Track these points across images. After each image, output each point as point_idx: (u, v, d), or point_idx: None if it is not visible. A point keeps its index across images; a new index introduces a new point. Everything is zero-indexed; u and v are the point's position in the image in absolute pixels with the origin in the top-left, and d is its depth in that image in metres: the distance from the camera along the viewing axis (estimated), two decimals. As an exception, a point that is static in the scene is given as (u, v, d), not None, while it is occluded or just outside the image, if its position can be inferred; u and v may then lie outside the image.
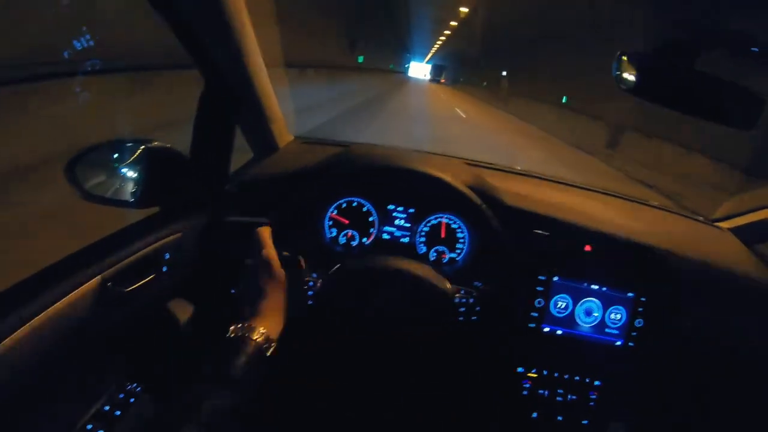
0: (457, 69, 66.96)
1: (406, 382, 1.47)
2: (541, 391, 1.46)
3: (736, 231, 1.77)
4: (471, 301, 1.24)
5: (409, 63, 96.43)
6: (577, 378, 1.46)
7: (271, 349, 0.95)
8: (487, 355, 1.46)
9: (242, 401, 0.86)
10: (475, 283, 1.30)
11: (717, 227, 1.82)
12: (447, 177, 1.28)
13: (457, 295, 1.23)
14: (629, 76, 0.95)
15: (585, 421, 1.47)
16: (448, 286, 1.21)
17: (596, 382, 1.46)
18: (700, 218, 1.88)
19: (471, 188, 1.33)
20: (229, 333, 0.94)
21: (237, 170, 1.50)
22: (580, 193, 1.83)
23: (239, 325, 0.95)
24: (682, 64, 0.91)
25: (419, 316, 1.20)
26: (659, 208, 1.89)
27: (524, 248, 1.38)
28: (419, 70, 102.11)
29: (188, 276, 1.33)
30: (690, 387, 1.58)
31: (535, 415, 1.46)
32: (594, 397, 1.46)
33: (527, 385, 1.46)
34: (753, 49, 0.85)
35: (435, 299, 1.19)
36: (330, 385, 1.50)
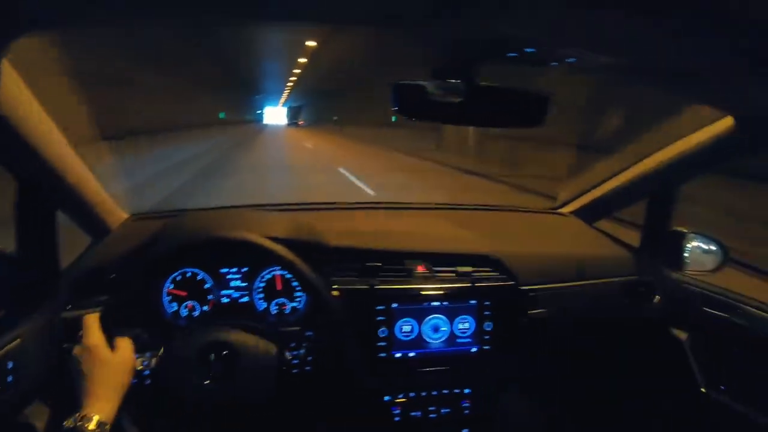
0: (316, 106, 66.14)
1: None
2: (413, 413, 1.51)
3: (578, 213, 1.93)
4: (302, 352, 1.29)
5: (262, 110, 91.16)
6: (445, 391, 1.52)
7: None
8: (348, 393, 1.48)
9: None
10: (307, 333, 1.33)
11: (559, 214, 1.97)
12: (253, 238, 1.31)
13: (287, 351, 1.28)
14: (409, 105, 1.00)
15: (465, 430, 1.54)
16: (273, 349, 1.26)
17: (466, 390, 1.53)
18: (542, 210, 2.03)
19: (284, 240, 1.36)
20: (64, 427, 0.95)
21: (74, 260, 1.46)
22: (413, 214, 1.92)
23: (73, 417, 0.97)
24: (464, 83, 0.98)
25: (251, 383, 1.24)
26: (500, 210, 2.02)
27: (357, 282, 1.43)
28: (275, 115, 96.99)
29: (41, 379, 1.25)
30: (554, 372, 1.70)
31: None
32: (467, 404, 1.53)
33: (397, 411, 1.50)
34: (528, 50, 0.93)
35: (262, 364, 1.24)
36: None
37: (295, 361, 1.28)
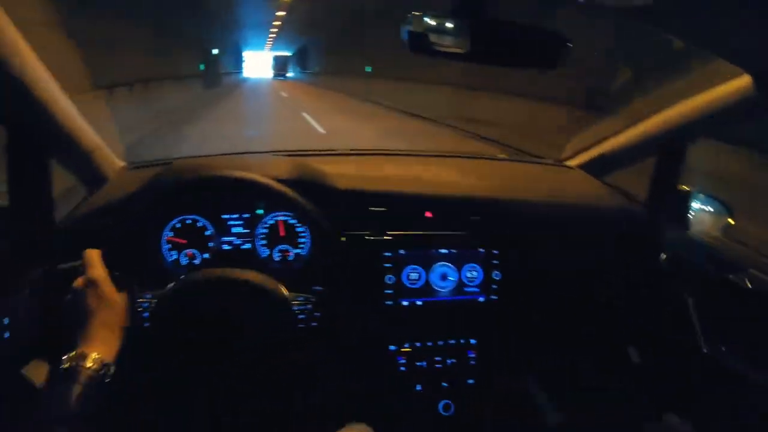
0: (307, 57, 59.30)
1: (266, 390, 1.52)
2: (418, 363, 1.55)
3: (585, 166, 1.97)
4: (309, 307, 1.29)
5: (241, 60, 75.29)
6: (451, 342, 1.57)
7: (109, 373, 0.99)
8: (353, 342, 1.54)
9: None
10: (315, 287, 1.34)
11: (566, 166, 2.01)
12: (259, 178, 1.31)
13: (295, 302, 1.28)
14: (420, 40, 1.02)
15: (470, 381, 1.59)
16: (285, 292, 1.27)
17: (471, 341, 1.58)
18: (549, 161, 2.07)
19: (290, 181, 1.38)
20: (62, 365, 0.97)
21: (70, 210, 1.48)
22: (418, 161, 1.95)
23: (71, 354, 0.99)
24: (476, 16, 1.00)
25: (257, 325, 1.26)
26: (505, 160, 2.06)
27: (363, 227, 1.46)
28: (258, 64, 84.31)
29: (38, 333, 1.31)
30: (560, 323, 1.76)
31: (419, 387, 1.55)
32: (473, 355, 1.58)
33: (403, 361, 1.55)
34: None
35: (271, 306, 1.25)
36: (180, 401, 1.53)
37: (302, 316, 1.29)
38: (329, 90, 30.92)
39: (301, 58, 63.44)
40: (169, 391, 1.52)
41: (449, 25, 0.98)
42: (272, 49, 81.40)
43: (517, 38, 1.05)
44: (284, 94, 29.81)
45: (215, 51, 31.97)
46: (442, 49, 1.01)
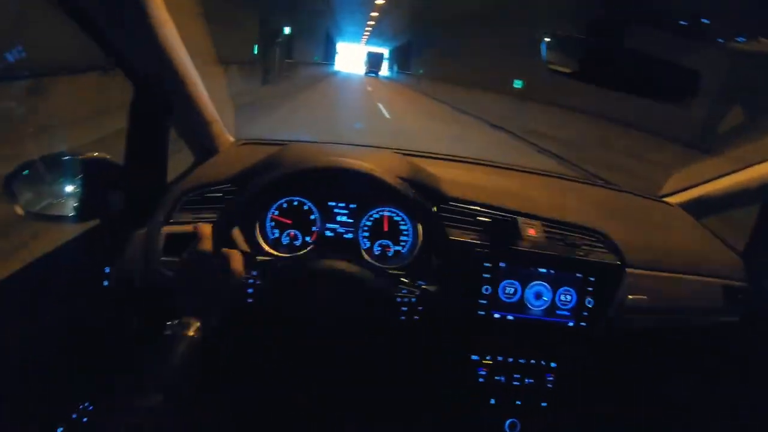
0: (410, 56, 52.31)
1: (356, 380, 1.54)
2: (497, 378, 1.55)
3: (686, 206, 1.94)
4: (413, 300, 1.29)
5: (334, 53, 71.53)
6: (532, 361, 1.56)
7: (206, 345, 1.01)
8: (439, 346, 1.54)
9: (179, 399, 0.92)
10: (419, 282, 1.34)
11: (665, 203, 1.98)
12: (378, 172, 1.32)
13: (399, 294, 1.29)
14: (558, 59, 1.05)
15: (544, 404, 1.58)
16: (388, 285, 1.29)
17: (552, 364, 1.56)
18: (649, 195, 2.04)
19: (407, 180, 1.39)
20: (165, 330, 1.00)
21: (178, 176, 1.55)
22: (520, 177, 1.95)
23: (175, 322, 1.01)
24: (611, 43, 1.03)
25: (360, 316, 1.28)
26: (606, 187, 2.04)
27: (468, 236, 1.46)
28: (351, 58, 79.67)
29: (135, 287, 1.37)
30: (644, 364, 1.72)
31: (493, 401, 1.55)
32: (551, 379, 1.57)
33: (483, 373, 1.55)
34: (681, 22, 0.96)
35: (375, 298, 1.26)
36: (273, 383, 1.57)
37: (404, 308, 1.29)
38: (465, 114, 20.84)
39: (402, 55, 59.48)
40: (263, 372, 1.57)
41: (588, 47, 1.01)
42: (368, 43, 79.16)
43: (654, 69, 1.07)
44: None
45: (287, 30, 25.20)
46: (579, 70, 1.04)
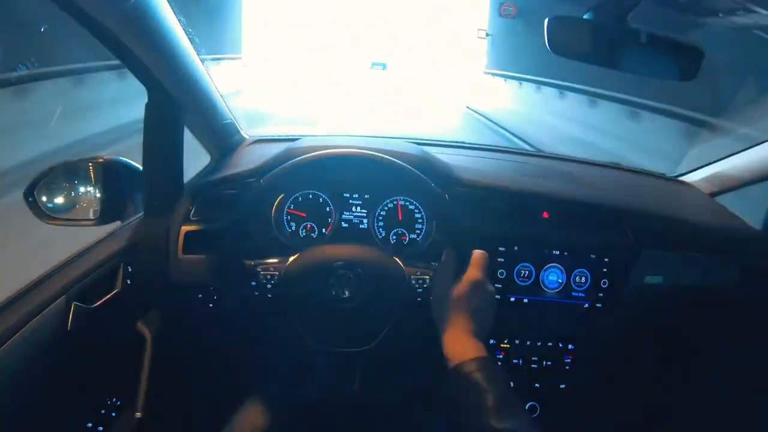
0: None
1: (377, 365, 1.53)
2: (515, 361, 1.57)
3: (701, 183, 1.93)
4: (427, 279, 1.31)
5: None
6: (549, 344, 1.58)
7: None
8: None
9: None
10: (433, 263, 1.35)
11: (681, 181, 1.98)
12: (391, 159, 1.32)
13: (414, 276, 1.31)
14: (562, 40, 1.06)
15: (562, 386, 1.60)
16: (402, 266, 1.31)
17: (569, 346, 1.58)
18: (664, 175, 2.04)
19: (420, 168, 1.38)
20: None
21: (195, 175, 1.59)
22: (533, 161, 1.95)
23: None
24: (616, 23, 1.03)
25: (376, 300, 1.30)
26: (620, 168, 2.04)
27: (482, 221, 1.47)
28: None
29: (154, 287, 1.42)
30: (659, 342, 1.73)
31: (512, 383, 1.57)
32: (569, 360, 1.59)
33: (500, 356, 1.57)
34: None
35: (390, 280, 1.29)
36: (294, 369, 1.59)
37: (420, 290, 1.31)
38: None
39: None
40: (283, 359, 1.60)
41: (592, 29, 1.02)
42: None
43: (661, 48, 1.07)
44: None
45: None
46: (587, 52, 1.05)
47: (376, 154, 1.31)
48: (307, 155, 1.29)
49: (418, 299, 1.30)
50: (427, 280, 1.30)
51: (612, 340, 1.65)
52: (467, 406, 0.95)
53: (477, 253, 1.17)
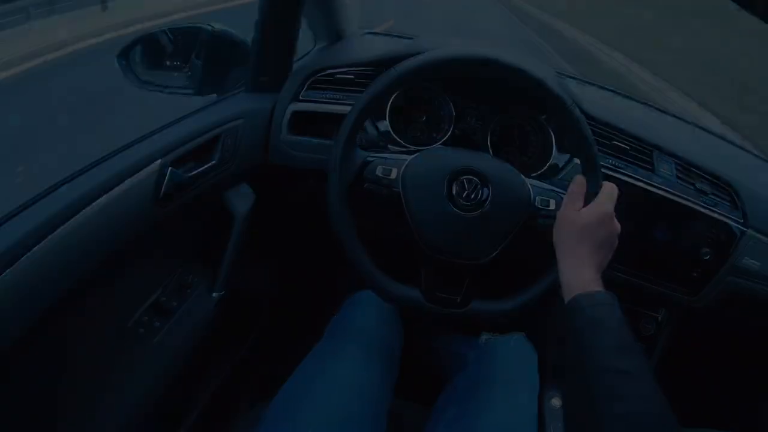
0: None
1: (483, 283, 1.44)
2: None
3: None
4: (552, 203, 1.19)
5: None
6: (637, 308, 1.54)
7: None
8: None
9: None
10: (557, 189, 1.24)
11: None
12: (540, 75, 1.15)
13: (539, 196, 1.20)
14: None
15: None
16: (529, 186, 1.20)
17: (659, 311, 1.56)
18: None
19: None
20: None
21: (300, 57, 1.52)
22: (656, 114, 1.83)
23: None
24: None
25: (498, 214, 1.17)
26: (736, 145, 1.90)
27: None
28: None
29: (250, 164, 1.38)
30: (743, 331, 1.64)
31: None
32: (649, 326, 1.56)
33: None
34: None
35: (517, 196, 1.18)
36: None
37: (543, 211, 1.18)
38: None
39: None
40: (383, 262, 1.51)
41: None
42: None
43: None
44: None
45: None
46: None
47: (522, 63, 1.15)
48: (448, 51, 1.15)
49: (539, 221, 1.19)
50: (552, 203, 1.19)
51: (698, 313, 1.53)
52: (586, 340, 0.87)
53: (608, 185, 1.07)
